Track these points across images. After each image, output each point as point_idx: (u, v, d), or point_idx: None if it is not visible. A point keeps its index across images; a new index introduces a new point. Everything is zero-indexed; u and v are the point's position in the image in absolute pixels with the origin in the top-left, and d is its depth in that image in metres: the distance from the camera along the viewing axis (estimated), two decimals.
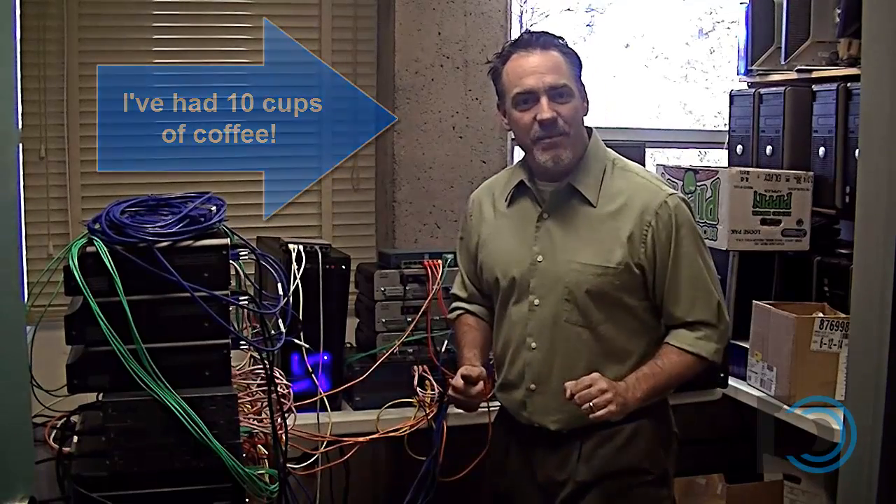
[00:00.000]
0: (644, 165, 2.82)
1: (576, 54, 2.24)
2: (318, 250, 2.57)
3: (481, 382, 2.22)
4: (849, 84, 2.95)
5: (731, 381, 2.87)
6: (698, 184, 3.15)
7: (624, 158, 2.30)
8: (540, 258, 2.22)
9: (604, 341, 2.20)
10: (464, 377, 2.22)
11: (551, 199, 2.24)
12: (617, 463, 2.20)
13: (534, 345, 2.23)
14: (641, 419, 2.21)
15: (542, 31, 2.26)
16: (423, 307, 2.72)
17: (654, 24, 4.04)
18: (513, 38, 2.40)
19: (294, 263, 2.52)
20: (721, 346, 2.24)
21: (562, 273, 2.19)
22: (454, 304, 2.48)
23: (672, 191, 2.22)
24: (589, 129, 2.29)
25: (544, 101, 2.16)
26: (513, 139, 3.18)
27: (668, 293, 2.20)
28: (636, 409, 2.16)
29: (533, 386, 2.24)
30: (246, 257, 2.06)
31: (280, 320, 2.17)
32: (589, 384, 2.07)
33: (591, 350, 2.20)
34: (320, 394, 2.56)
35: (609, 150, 2.30)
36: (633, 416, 2.17)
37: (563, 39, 2.25)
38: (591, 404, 2.05)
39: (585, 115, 2.25)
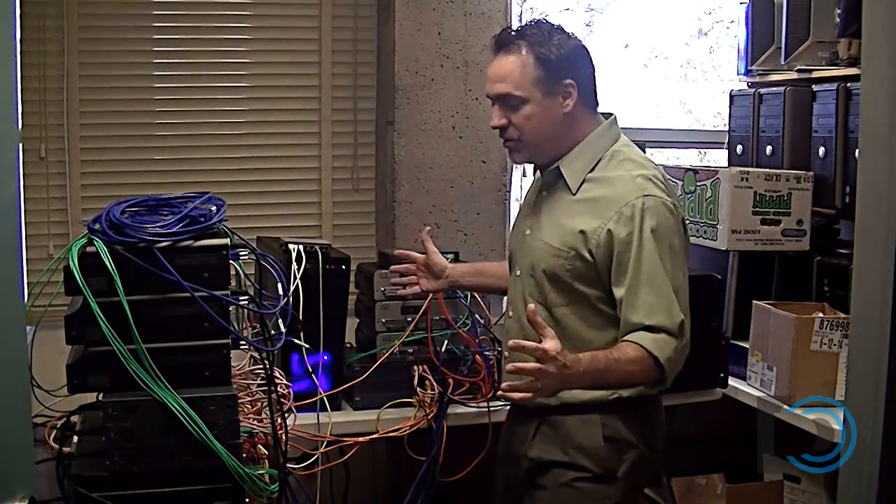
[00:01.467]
0: None
1: (547, 54, 2.13)
2: (318, 250, 2.57)
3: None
4: (849, 84, 2.95)
5: (731, 381, 2.87)
6: (698, 184, 3.15)
7: (633, 153, 2.21)
8: (528, 232, 2.28)
9: (562, 326, 2.16)
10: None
11: (545, 179, 2.28)
12: (561, 453, 2.17)
13: (511, 313, 2.33)
14: (592, 414, 2.16)
15: (512, 30, 2.19)
16: (423, 307, 2.72)
17: (654, 24, 4.04)
18: None
19: (294, 263, 2.52)
20: (676, 358, 2.07)
21: (533, 248, 2.24)
22: None
23: (657, 194, 2.10)
24: (608, 115, 2.24)
25: (495, 108, 2.19)
26: None
27: (626, 298, 2.09)
28: (588, 404, 2.13)
29: (507, 353, 2.30)
30: (246, 257, 2.05)
31: (280, 320, 2.17)
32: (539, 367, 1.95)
33: None
34: (320, 394, 2.56)
35: (619, 142, 2.22)
36: (582, 409, 2.15)
37: (534, 34, 2.15)
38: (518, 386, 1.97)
39: (565, 111, 2.15)
